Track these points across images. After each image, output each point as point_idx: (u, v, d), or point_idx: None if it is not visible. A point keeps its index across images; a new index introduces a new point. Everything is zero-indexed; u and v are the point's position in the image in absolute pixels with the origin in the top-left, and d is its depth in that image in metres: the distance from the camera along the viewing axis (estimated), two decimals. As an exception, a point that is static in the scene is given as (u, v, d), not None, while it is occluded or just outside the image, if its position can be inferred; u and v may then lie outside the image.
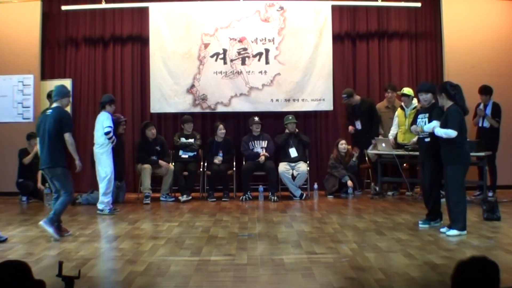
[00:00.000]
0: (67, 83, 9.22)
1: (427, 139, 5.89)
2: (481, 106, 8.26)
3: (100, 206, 7.13)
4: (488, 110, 8.20)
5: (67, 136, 5.68)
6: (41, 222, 5.55)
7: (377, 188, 8.46)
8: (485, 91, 8.19)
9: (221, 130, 8.64)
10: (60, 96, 5.87)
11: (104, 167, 7.28)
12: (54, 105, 5.84)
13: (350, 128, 8.86)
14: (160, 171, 8.35)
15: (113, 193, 7.51)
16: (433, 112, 5.77)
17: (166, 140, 8.74)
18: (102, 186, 7.25)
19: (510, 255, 4.59)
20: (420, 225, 5.96)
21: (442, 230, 5.57)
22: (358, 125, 8.77)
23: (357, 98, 8.83)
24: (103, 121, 7.33)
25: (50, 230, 5.46)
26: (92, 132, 7.72)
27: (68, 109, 8.92)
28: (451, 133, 5.37)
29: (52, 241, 5.38)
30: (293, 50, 9.11)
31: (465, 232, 5.45)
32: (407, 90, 8.29)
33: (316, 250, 4.87)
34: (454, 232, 5.42)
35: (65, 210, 5.82)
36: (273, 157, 8.68)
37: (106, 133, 7.24)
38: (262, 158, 8.48)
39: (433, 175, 5.88)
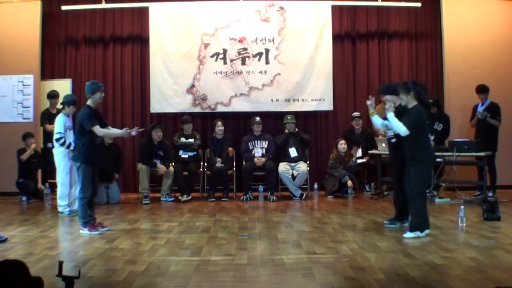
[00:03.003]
0: (67, 83, 9.27)
1: (393, 140, 5.85)
2: (479, 107, 8.22)
3: (59, 209, 7.03)
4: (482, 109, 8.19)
5: (94, 131, 5.77)
6: (80, 231, 5.78)
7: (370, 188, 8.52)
8: (482, 89, 8.19)
9: (219, 127, 8.66)
10: (90, 94, 5.93)
11: (60, 171, 7.07)
12: (87, 102, 5.97)
13: (355, 149, 8.84)
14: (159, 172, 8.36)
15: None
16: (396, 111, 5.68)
17: (168, 141, 8.73)
18: (58, 190, 7.10)
19: (510, 255, 4.59)
20: (386, 225, 5.94)
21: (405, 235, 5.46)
22: (359, 152, 8.84)
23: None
24: (56, 125, 7.09)
25: (86, 232, 5.74)
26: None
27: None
28: (401, 128, 5.30)
29: (52, 241, 5.39)
30: (293, 50, 9.11)
31: (424, 233, 5.34)
32: None
33: (316, 250, 4.87)
34: (410, 234, 5.33)
35: (86, 207, 5.83)
36: (273, 158, 8.67)
37: (57, 140, 7.01)
38: (262, 160, 8.47)
39: (400, 176, 5.73)
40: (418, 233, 5.33)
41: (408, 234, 5.34)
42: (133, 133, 6.09)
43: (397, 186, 5.92)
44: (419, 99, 5.42)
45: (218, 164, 8.49)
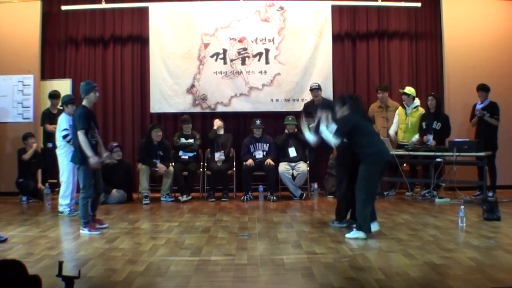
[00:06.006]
0: (67, 83, 9.26)
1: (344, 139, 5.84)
2: (478, 105, 8.22)
3: (60, 208, 7.02)
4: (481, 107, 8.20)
5: (78, 134, 5.77)
6: (80, 231, 5.80)
7: None
8: (483, 88, 8.19)
9: (217, 123, 8.68)
10: (84, 94, 5.95)
11: (63, 170, 7.09)
12: (83, 102, 5.98)
13: None
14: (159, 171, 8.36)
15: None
16: None
17: (168, 141, 8.73)
18: (61, 189, 7.10)
19: (510, 255, 4.59)
20: (331, 225, 6.03)
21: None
22: None
23: None
24: (60, 124, 7.14)
25: (86, 232, 5.74)
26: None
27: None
28: (331, 139, 5.49)
29: (52, 241, 5.39)
30: (293, 50, 9.11)
31: (365, 235, 5.28)
32: (408, 89, 8.34)
33: (316, 250, 4.87)
34: (350, 233, 5.36)
35: (87, 207, 5.82)
36: (273, 158, 8.65)
37: (64, 137, 7.03)
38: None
39: (345, 173, 5.84)
40: (359, 234, 5.29)
41: (350, 234, 5.35)
42: (104, 159, 6.08)
43: (343, 184, 5.93)
44: (347, 108, 5.51)
45: (220, 157, 8.43)
